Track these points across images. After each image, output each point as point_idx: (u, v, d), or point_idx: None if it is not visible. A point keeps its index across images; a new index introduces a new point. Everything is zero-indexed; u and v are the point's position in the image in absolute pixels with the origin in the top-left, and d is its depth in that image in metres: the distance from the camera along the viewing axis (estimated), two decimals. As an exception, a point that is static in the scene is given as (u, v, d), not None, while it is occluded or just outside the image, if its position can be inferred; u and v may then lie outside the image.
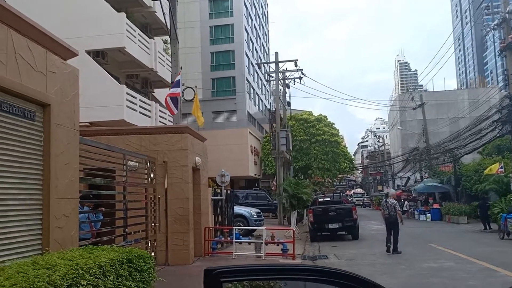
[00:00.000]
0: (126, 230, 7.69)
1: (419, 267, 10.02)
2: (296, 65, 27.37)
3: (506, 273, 8.53)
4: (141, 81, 19.80)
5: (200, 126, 14.13)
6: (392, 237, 12.38)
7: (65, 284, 3.05)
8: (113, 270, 3.73)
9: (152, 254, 7.93)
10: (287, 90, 28.91)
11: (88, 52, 15.40)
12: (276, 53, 27.13)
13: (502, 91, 30.23)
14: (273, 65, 27.66)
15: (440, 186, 30.27)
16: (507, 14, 18.87)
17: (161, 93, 19.37)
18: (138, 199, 8.80)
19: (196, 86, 17.72)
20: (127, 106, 15.67)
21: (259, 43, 50.76)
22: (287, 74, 28.10)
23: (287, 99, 30.31)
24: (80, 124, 5.60)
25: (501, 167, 21.88)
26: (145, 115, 17.13)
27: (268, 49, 58.31)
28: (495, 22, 20.13)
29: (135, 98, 16.52)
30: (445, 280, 8.33)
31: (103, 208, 7.44)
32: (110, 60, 16.96)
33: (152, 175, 9.14)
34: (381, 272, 9.50)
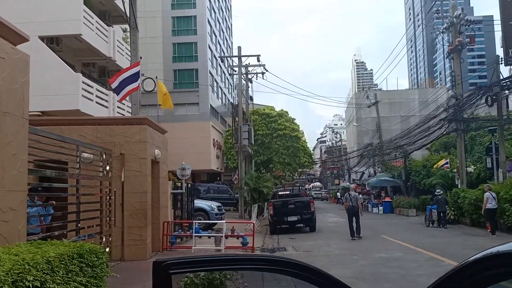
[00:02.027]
0: (79, 224, 7.43)
1: (371, 258, 10.45)
2: (258, 60, 27.37)
3: (450, 262, 9.06)
4: (98, 70, 19.11)
5: (170, 109, 13.87)
6: (355, 224, 14.26)
7: (9, 280, 2.91)
8: (62, 266, 3.61)
9: (107, 249, 7.74)
10: (249, 84, 28.95)
11: (42, 38, 14.67)
12: (239, 47, 27.04)
13: (450, 91, 31.77)
14: (236, 59, 27.55)
15: (392, 180, 31.66)
16: (454, 19, 19.80)
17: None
18: (93, 193, 8.52)
19: (156, 77, 17.32)
20: (83, 96, 15.09)
21: (222, 37, 50.31)
22: (250, 69, 28.12)
23: (250, 93, 30.37)
24: (31, 113, 5.33)
25: (447, 163, 23.18)
26: (102, 105, 16.57)
27: (232, 43, 57.93)
28: (444, 26, 21.11)
29: (92, 87, 15.93)
30: (395, 270, 8.74)
31: (54, 202, 7.14)
32: (65, 47, 16.24)
33: (107, 168, 8.87)
34: (336, 263, 9.83)
